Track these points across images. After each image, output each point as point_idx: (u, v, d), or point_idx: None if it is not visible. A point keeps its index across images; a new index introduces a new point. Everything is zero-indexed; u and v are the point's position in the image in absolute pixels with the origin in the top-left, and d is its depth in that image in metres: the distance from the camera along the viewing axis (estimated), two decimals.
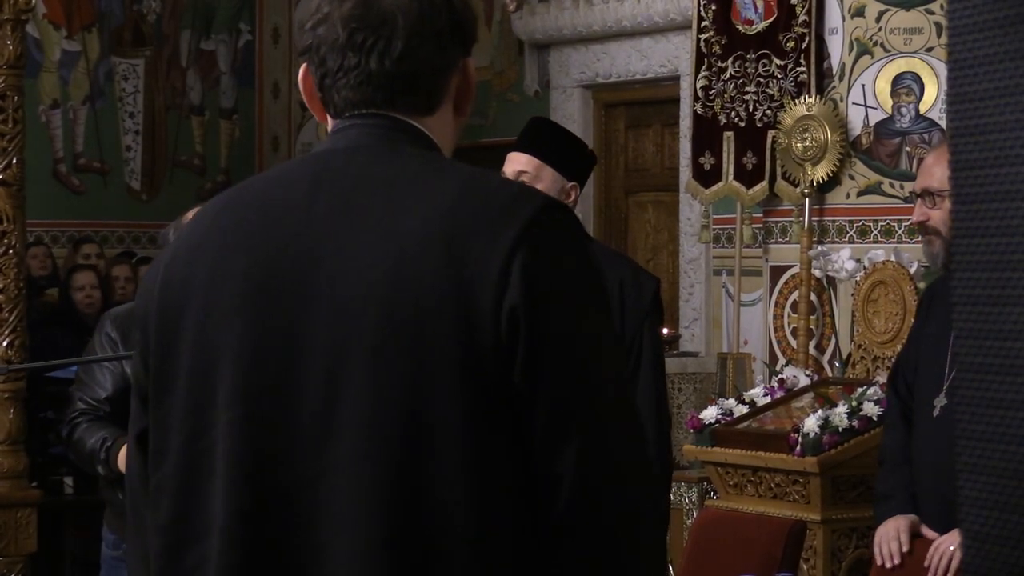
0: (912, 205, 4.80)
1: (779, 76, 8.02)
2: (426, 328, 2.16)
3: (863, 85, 7.80)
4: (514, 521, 2.19)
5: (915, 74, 7.65)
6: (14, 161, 6.56)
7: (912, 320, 4.97)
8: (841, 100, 7.88)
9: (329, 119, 2.42)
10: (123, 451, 4.81)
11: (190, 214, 2.62)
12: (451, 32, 2.36)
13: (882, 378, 6.13)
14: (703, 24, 8.34)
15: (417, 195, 2.24)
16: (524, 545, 2.19)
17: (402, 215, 2.22)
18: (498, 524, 2.18)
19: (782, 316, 8.24)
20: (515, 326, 2.14)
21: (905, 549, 4.49)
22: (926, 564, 4.41)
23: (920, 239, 4.77)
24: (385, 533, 2.17)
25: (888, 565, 4.52)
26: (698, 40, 8.37)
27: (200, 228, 2.38)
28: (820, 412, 6.26)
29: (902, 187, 7.46)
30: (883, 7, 7.70)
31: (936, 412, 4.48)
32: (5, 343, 6.54)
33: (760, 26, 8.11)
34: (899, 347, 5.80)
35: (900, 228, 7.46)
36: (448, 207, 2.21)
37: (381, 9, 2.31)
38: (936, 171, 4.50)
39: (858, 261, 7.55)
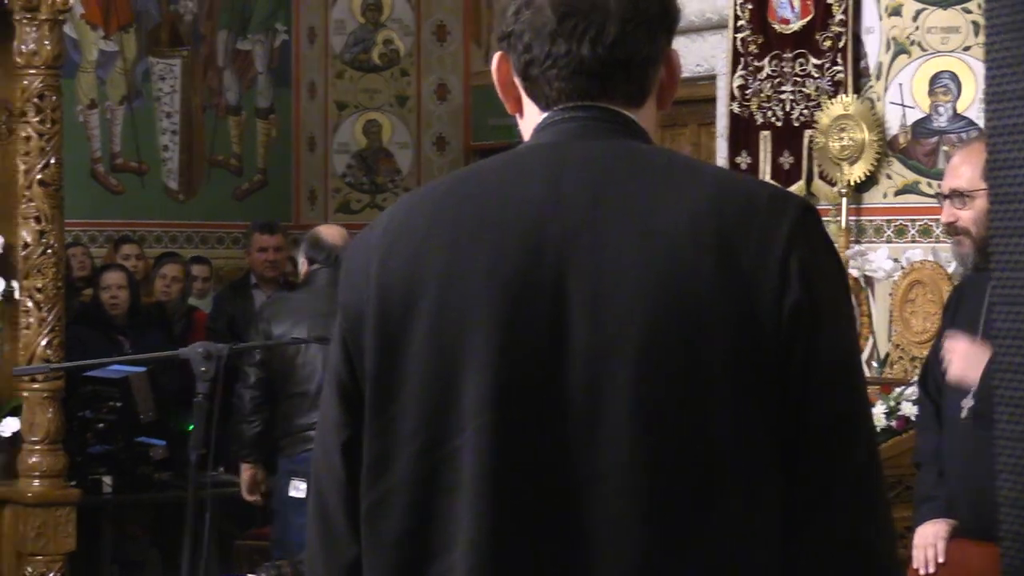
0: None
1: (816, 75, 8.00)
2: (701, 327, 2.10)
3: (900, 84, 7.78)
4: (779, 527, 2.14)
5: (952, 73, 7.62)
6: (52, 161, 6.59)
7: (941, 319, 4.95)
8: (878, 99, 7.85)
9: (531, 108, 2.30)
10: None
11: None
12: (660, 19, 2.26)
13: None
14: (739, 23, 8.32)
15: (674, 192, 2.15)
16: (778, 550, 2.15)
17: (664, 212, 2.13)
18: (769, 534, 2.14)
19: None
20: (797, 322, 2.11)
21: (941, 559, 4.47)
22: (914, 566, 4.42)
23: (953, 244, 4.74)
24: (657, 547, 2.10)
25: (923, 572, 4.50)
26: (734, 39, 8.35)
27: (418, 221, 2.23)
28: None
29: (939, 186, 7.43)
30: (920, 6, 7.67)
31: (964, 414, 4.46)
32: (44, 343, 6.57)
33: (796, 25, 8.09)
34: None
35: (937, 227, 7.40)
36: (712, 205, 2.13)
37: None
38: (964, 171, 4.46)
39: (895, 261, 7.53)
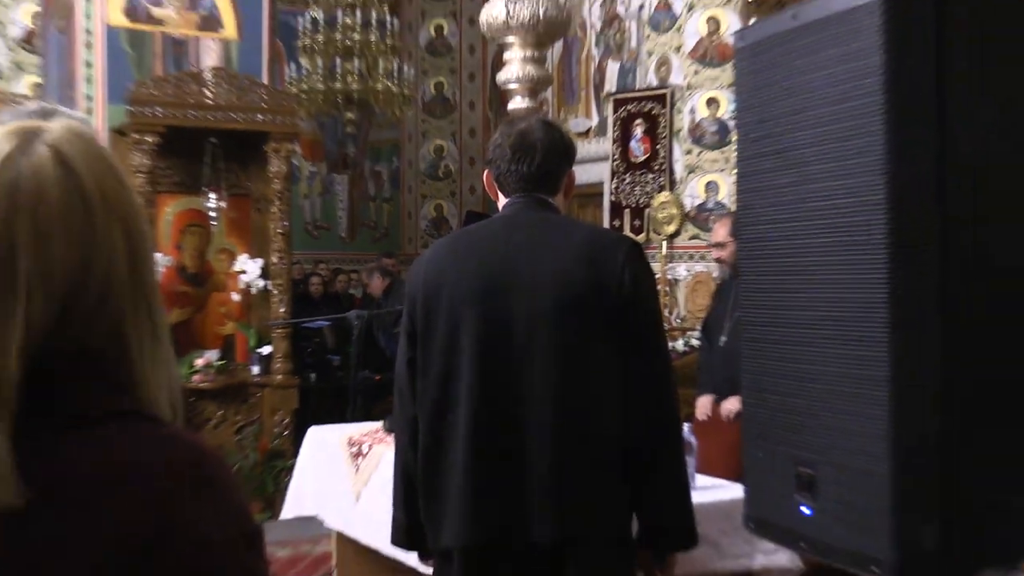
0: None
1: (650, 182, 7.98)
2: (582, 303, 2.10)
3: (692, 186, 7.77)
4: (620, 398, 2.12)
5: (716, 182, 7.63)
6: (286, 223, 6.57)
7: (711, 299, 4.92)
8: (681, 194, 7.83)
9: (501, 197, 2.31)
10: None
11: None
12: (565, 152, 2.27)
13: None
14: (614, 157, 8.29)
15: (569, 237, 2.16)
16: (621, 412, 2.12)
17: (563, 247, 2.14)
18: (614, 397, 2.11)
19: None
20: (628, 300, 2.10)
21: (709, 412, 4.44)
22: (723, 417, 4.38)
23: (716, 264, 4.71)
24: (559, 406, 2.09)
25: (701, 419, 4.48)
26: (611, 164, 8.33)
27: (442, 252, 2.24)
28: (670, 344, 6.22)
29: (709, 238, 7.42)
30: (700, 148, 7.66)
31: (720, 343, 4.43)
32: (282, 310, 6.56)
33: (642, 158, 8.07)
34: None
35: (710, 257, 7.41)
36: (587, 242, 2.15)
37: (529, 141, 2.23)
38: (720, 232, 4.44)
39: (688, 271, 7.51)
